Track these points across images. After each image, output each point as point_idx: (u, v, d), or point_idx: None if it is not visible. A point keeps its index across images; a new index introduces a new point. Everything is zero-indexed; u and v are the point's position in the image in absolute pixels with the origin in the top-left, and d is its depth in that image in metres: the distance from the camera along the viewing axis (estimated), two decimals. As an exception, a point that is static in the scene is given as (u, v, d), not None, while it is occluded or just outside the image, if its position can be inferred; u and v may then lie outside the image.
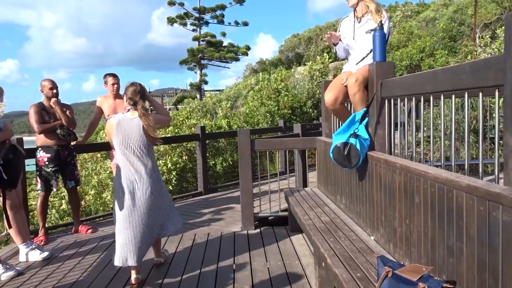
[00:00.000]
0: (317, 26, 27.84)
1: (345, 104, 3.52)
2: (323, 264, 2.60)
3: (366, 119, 2.91)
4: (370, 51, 3.12)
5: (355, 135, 2.80)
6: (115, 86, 4.82)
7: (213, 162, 8.78)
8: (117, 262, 3.09)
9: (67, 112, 4.53)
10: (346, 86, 3.21)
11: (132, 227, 3.08)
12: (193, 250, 3.99)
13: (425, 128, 2.93)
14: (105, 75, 4.91)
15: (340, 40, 3.34)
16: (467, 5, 14.56)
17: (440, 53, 11.92)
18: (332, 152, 2.88)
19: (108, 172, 7.39)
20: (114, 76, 4.88)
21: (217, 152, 9.00)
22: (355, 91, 2.94)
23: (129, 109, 3.27)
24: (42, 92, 4.50)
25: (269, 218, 4.92)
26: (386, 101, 2.76)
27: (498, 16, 13.25)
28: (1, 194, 3.22)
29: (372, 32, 3.03)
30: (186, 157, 8.13)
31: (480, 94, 1.73)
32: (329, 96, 3.26)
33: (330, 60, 15.31)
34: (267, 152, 5.20)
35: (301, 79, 13.20)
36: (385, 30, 2.98)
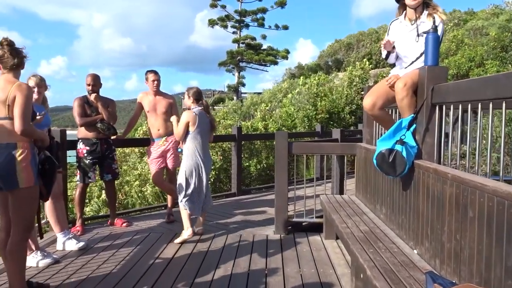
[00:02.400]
0: (359, 32, 27.41)
1: (387, 110, 3.37)
2: (362, 276, 2.47)
3: (414, 126, 2.76)
4: (421, 55, 2.97)
5: (402, 142, 2.65)
6: (155, 82, 4.87)
7: (247, 163, 8.75)
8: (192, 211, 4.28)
9: (109, 107, 4.61)
10: (387, 91, 3.07)
11: (197, 193, 4.27)
12: (224, 251, 3.94)
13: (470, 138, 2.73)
14: (146, 72, 4.98)
15: (393, 47, 3.19)
16: (520, 14, 13.85)
17: (491, 63, 11.35)
18: (376, 159, 2.75)
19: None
20: (155, 73, 4.93)
21: (251, 154, 8.96)
22: (403, 95, 2.79)
23: (197, 107, 4.26)
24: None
25: (303, 223, 4.80)
26: (437, 108, 2.60)
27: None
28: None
29: (424, 36, 2.88)
30: (221, 157, 8.14)
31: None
32: (368, 101, 3.14)
33: (370, 66, 14.96)
34: (305, 157, 5.08)
35: (340, 84, 12.95)
36: (439, 33, 2.81)
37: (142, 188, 7.21)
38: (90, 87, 4.54)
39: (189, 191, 4.23)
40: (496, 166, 5.32)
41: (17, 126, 2.64)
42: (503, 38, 13.00)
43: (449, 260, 2.13)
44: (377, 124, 4.06)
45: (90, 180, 4.60)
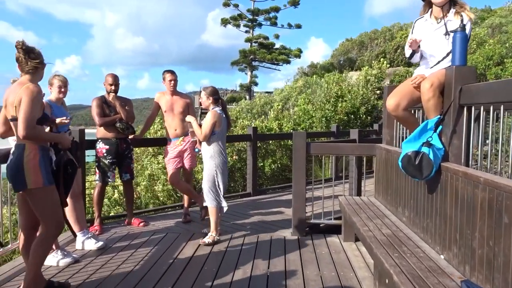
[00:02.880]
0: (372, 30, 27.14)
1: (411, 111, 3.29)
2: (387, 281, 2.41)
3: (440, 127, 2.69)
4: (447, 55, 2.89)
5: (428, 144, 2.59)
6: (172, 82, 4.87)
7: (262, 163, 8.71)
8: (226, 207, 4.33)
9: (126, 106, 4.62)
10: (411, 91, 3.00)
11: (222, 191, 4.27)
12: (243, 252, 3.92)
13: (491, 140, 2.66)
14: (164, 72, 4.97)
15: (418, 46, 3.12)
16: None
17: (511, 62, 11.11)
18: (401, 161, 2.68)
19: (161, 165, 7.50)
20: (172, 72, 4.92)
21: (266, 154, 8.92)
22: (430, 96, 2.72)
23: (217, 107, 4.22)
24: (104, 85, 4.63)
25: (321, 225, 4.75)
26: (465, 109, 2.53)
27: None
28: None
29: (451, 34, 2.81)
30: (236, 156, 8.12)
31: None
32: (391, 101, 3.06)
33: (387, 66, 14.79)
34: (323, 157, 5.03)
35: (355, 84, 12.81)
36: (467, 32, 2.73)
37: (155, 187, 7.24)
38: (112, 87, 4.55)
39: (222, 190, 4.23)
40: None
41: (19, 130, 2.63)
42: (523, 36, 12.73)
43: (481, 267, 2.06)
44: (398, 125, 3.99)
45: (109, 180, 4.62)
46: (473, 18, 2.92)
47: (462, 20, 2.78)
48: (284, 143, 9.04)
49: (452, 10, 2.89)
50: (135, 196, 7.21)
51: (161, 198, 7.12)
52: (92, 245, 3.93)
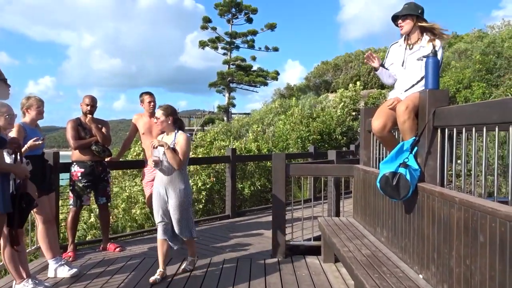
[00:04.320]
0: (346, 53, 27.89)
1: (393, 132, 3.37)
2: (368, 302, 2.41)
3: (415, 148, 2.76)
4: (421, 79, 3.00)
5: (405, 165, 2.65)
6: (151, 104, 4.84)
7: (241, 185, 8.68)
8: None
9: (103, 129, 4.55)
10: (394, 113, 3.08)
11: None
12: (222, 277, 3.85)
13: (464, 160, 2.75)
14: (141, 94, 4.95)
15: (382, 66, 3.24)
16: (504, 38, 14.26)
17: (477, 85, 11.61)
18: (379, 182, 2.73)
19: (140, 188, 7.37)
20: (151, 94, 4.91)
21: (244, 175, 8.90)
22: (405, 118, 2.81)
23: (176, 130, 3.84)
24: (81, 106, 4.56)
25: (300, 247, 4.73)
26: (439, 131, 2.61)
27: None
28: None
29: (424, 59, 2.93)
30: (214, 178, 8.06)
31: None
32: (378, 123, 3.12)
33: (361, 88, 15.17)
34: (301, 178, 5.06)
35: (331, 105, 13.06)
36: (439, 57, 2.85)
37: (132, 210, 7.08)
38: (89, 107, 4.49)
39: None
40: (491, 188, 5.36)
41: None
42: (487, 61, 13.35)
43: (459, 285, 2.10)
44: (375, 146, 4.07)
45: (83, 204, 4.50)
46: (447, 39, 3.05)
47: (434, 46, 2.90)
48: (263, 165, 9.05)
49: (426, 38, 3.02)
50: (112, 219, 7.03)
51: (139, 221, 6.96)
52: (65, 272, 3.78)
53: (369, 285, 2.43)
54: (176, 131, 3.80)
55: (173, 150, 3.64)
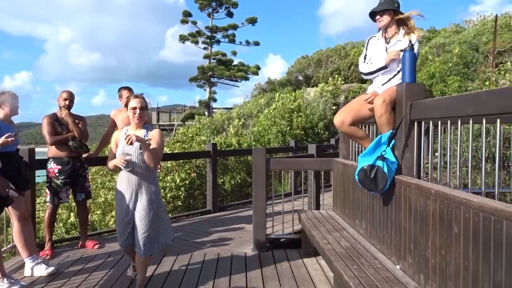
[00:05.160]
0: (327, 48, 28.02)
1: (360, 126, 3.41)
2: (347, 294, 2.44)
3: (393, 141, 2.80)
4: (398, 72, 3.04)
5: (382, 158, 2.68)
6: None
7: (222, 180, 8.66)
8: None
9: (80, 124, 4.47)
10: (358, 109, 3.14)
11: None
12: (203, 271, 3.84)
13: (440, 153, 2.81)
14: (120, 89, 4.86)
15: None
16: (482, 32, 14.57)
17: (452, 79, 11.85)
18: (357, 175, 2.76)
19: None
20: (129, 89, 4.83)
21: (226, 170, 8.88)
22: (382, 112, 2.84)
23: (148, 125, 3.48)
24: (58, 101, 4.46)
25: (281, 240, 4.76)
26: (416, 124, 2.65)
27: (512, 44, 13.23)
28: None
29: (401, 53, 2.96)
30: (195, 174, 8.02)
31: (532, 118, 1.62)
32: (337, 118, 3.23)
33: (341, 82, 15.28)
34: (282, 173, 5.08)
35: (313, 100, 13.13)
36: (415, 51, 2.89)
37: (107, 216, 6.99)
38: (67, 102, 4.40)
39: None
40: (465, 179, 5.48)
41: None
42: (465, 55, 13.63)
43: (434, 275, 2.14)
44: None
45: (61, 201, 4.41)
46: (420, 36, 3.10)
47: (410, 40, 2.93)
48: (244, 159, 9.05)
49: (402, 31, 3.06)
50: (91, 217, 6.93)
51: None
52: (42, 271, 3.70)
53: (348, 277, 2.46)
54: (145, 125, 3.35)
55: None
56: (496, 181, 1.89)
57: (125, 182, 3.22)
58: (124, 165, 3.13)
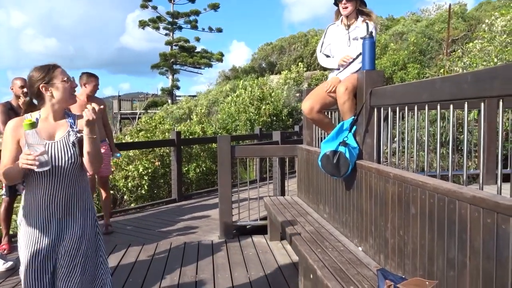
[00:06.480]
0: (290, 35, 28.12)
1: (325, 113, 3.48)
2: (311, 276, 2.52)
3: (354, 127, 2.88)
4: (357, 57, 3.11)
5: (344, 144, 2.75)
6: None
7: (187, 168, 8.58)
8: None
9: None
10: (324, 95, 3.18)
11: None
12: (169, 260, 3.82)
13: (398, 138, 2.92)
14: (83, 74, 4.66)
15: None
16: (435, 21, 15.09)
17: (412, 66, 12.26)
18: (320, 160, 2.82)
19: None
20: (91, 75, 4.65)
21: (190, 158, 8.81)
22: (345, 99, 2.90)
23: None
24: (12, 90, 4.24)
25: (247, 227, 4.81)
26: (376, 110, 2.74)
27: (465, 32, 13.80)
28: None
29: (358, 40, 3.04)
30: (159, 162, 7.91)
31: (482, 104, 1.71)
32: (306, 105, 3.24)
33: (304, 69, 15.43)
34: (247, 160, 5.11)
35: (277, 87, 13.20)
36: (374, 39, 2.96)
37: None
38: (24, 90, 4.18)
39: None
40: (423, 163, 5.73)
41: None
42: (421, 43, 14.12)
43: (393, 255, 2.25)
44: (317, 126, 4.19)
45: (18, 193, 4.23)
46: (378, 26, 3.19)
47: (367, 27, 3.01)
48: (208, 147, 9.01)
49: (360, 18, 3.13)
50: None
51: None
52: (-1, 266, 3.56)
53: (312, 260, 2.53)
54: (66, 112, 2.15)
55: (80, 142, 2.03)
56: (450, 164, 1.99)
57: (42, 201, 1.98)
58: (36, 166, 1.79)
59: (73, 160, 2.01)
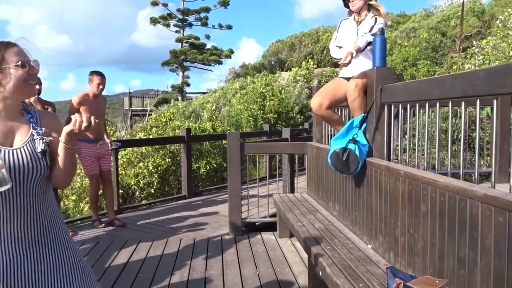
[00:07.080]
0: (301, 32, 28.00)
1: (335, 110, 3.47)
2: (320, 273, 2.52)
3: (364, 124, 2.86)
4: (365, 47, 3.06)
5: (354, 141, 2.74)
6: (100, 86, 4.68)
7: (197, 165, 8.62)
8: None
9: (49, 109, 4.34)
10: (334, 92, 3.17)
11: None
12: (179, 256, 3.85)
13: (409, 135, 2.89)
14: (91, 73, 4.73)
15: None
16: (449, 17, 14.90)
17: (422, 63, 12.12)
18: (330, 158, 2.81)
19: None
20: (100, 74, 4.71)
21: (200, 155, 8.84)
22: (355, 96, 2.89)
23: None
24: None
25: (257, 223, 4.82)
26: (386, 107, 2.72)
27: (478, 29, 13.60)
28: None
29: (369, 33, 3.02)
30: (169, 159, 7.96)
31: (495, 101, 1.69)
32: (315, 101, 3.23)
33: (314, 66, 15.36)
34: (257, 157, 5.12)
35: (287, 84, 13.17)
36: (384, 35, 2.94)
37: (80, 204, 6.87)
38: (36, 86, 4.27)
39: None
40: (434, 160, 5.67)
41: None
42: (433, 40, 13.94)
43: (403, 253, 2.23)
44: (327, 123, 4.17)
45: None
46: (387, 22, 3.16)
47: (376, 22, 2.98)
48: (218, 144, 9.03)
49: (370, 14, 3.11)
50: (63, 204, 6.79)
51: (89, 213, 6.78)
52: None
53: (321, 257, 2.53)
54: (24, 105, 1.63)
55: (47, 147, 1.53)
56: (461, 162, 1.97)
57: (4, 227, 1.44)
58: None
59: (42, 173, 1.48)
